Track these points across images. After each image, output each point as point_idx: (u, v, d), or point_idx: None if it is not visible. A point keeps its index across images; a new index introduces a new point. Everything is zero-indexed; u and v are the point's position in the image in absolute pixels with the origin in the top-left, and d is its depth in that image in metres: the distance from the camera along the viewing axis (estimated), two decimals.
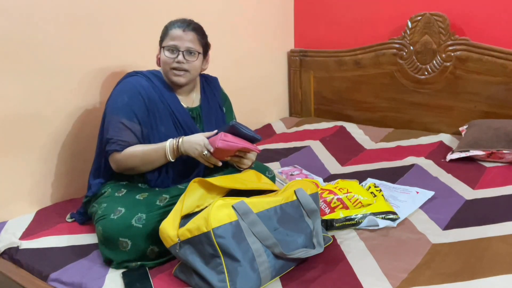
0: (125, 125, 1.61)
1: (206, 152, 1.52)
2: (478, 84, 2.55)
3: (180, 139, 1.56)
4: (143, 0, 2.19)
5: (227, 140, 1.50)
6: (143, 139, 1.65)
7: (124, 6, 2.11)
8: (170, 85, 1.73)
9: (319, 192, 1.70)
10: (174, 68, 1.66)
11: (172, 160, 1.58)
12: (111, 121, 1.62)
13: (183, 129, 1.71)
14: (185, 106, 1.75)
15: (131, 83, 1.68)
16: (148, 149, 1.59)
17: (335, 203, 1.67)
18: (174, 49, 1.65)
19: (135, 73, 1.72)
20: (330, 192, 1.71)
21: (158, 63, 1.77)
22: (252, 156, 1.66)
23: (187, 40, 1.65)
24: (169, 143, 1.57)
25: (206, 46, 1.74)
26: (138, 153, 1.59)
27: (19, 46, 1.77)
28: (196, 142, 1.54)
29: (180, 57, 1.65)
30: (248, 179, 1.57)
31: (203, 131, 1.76)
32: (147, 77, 1.70)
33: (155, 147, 1.59)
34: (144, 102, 1.64)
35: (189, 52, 1.66)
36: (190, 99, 1.78)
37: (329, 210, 1.65)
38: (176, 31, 1.65)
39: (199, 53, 1.69)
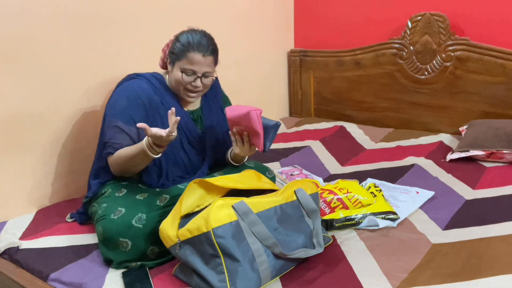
0: (121, 129, 1.60)
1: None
2: (478, 84, 2.55)
3: None
4: (144, 3, 2.19)
5: (259, 120, 1.55)
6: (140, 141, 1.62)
7: (126, 9, 2.11)
8: (171, 89, 1.72)
9: (319, 192, 1.70)
10: (189, 89, 1.65)
11: (154, 156, 1.50)
12: (109, 124, 1.62)
13: (184, 132, 1.70)
14: (185, 109, 1.74)
15: (131, 86, 1.66)
16: (130, 150, 1.56)
17: (335, 203, 1.67)
18: (192, 73, 1.62)
19: (136, 76, 1.71)
20: (330, 192, 1.71)
21: (162, 66, 1.76)
22: (251, 150, 1.67)
23: (206, 65, 1.63)
24: (145, 139, 1.50)
25: (217, 64, 1.72)
26: (121, 155, 1.58)
27: (20, 47, 1.77)
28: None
29: (198, 82, 1.63)
30: (248, 179, 1.57)
31: (204, 133, 1.76)
32: (148, 80, 1.69)
33: (135, 146, 1.55)
34: (144, 105, 1.63)
35: (206, 76, 1.65)
36: (191, 102, 1.78)
37: (329, 210, 1.65)
38: (196, 56, 1.60)
39: (214, 76, 1.69)
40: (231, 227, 1.28)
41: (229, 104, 1.93)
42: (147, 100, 1.64)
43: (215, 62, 1.68)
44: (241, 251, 1.27)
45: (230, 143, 1.72)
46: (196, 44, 1.60)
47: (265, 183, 1.57)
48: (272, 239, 1.32)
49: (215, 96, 1.85)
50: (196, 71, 1.62)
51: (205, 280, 1.26)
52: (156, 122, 1.65)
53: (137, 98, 1.63)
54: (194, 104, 1.79)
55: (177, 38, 1.65)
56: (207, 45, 1.62)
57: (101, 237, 1.46)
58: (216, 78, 1.88)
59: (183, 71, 1.62)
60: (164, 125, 1.65)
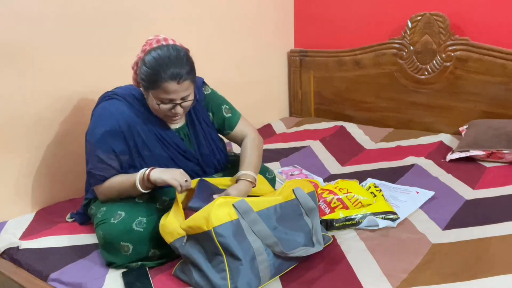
0: (101, 159, 1.52)
1: (185, 180, 1.45)
2: (478, 84, 2.55)
3: (150, 168, 1.48)
4: (145, 4, 2.19)
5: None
6: (123, 167, 1.56)
7: (127, 10, 2.11)
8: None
9: (319, 192, 1.70)
10: (169, 116, 1.53)
11: (144, 191, 1.48)
12: (89, 151, 1.56)
13: (173, 149, 1.62)
14: (172, 127, 1.63)
15: (109, 110, 1.55)
16: (123, 180, 1.52)
17: (335, 203, 1.67)
18: (169, 102, 1.49)
19: (114, 94, 1.60)
20: (330, 192, 1.71)
21: (137, 86, 1.59)
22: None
23: (183, 90, 1.47)
24: (139, 174, 1.47)
25: (195, 80, 1.55)
26: (115, 184, 1.53)
27: (20, 48, 1.77)
28: (173, 170, 1.48)
29: (178, 109, 1.50)
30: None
31: (194, 151, 1.66)
32: (127, 101, 1.58)
33: (127, 178, 1.51)
34: (122, 132, 1.53)
35: (185, 100, 1.50)
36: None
37: (329, 210, 1.65)
38: (171, 86, 1.43)
39: (194, 99, 1.55)
40: (232, 225, 1.28)
41: (214, 103, 1.72)
42: (126, 126, 1.54)
43: (193, 81, 1.51)
44: (243, 250, 1.27)
45: (224, 147, 1.73)
46: (167, 71, 1.42)
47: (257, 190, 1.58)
48: (273, 238, 1.32)
49: (200, 107, 1.69)
50: (173, 99, 1.47)
51: (206, 277, 1.27)
52: (137, 145, 1.56)
53: (115, 125, 1.53)
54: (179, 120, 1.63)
55: (143, 61, 1.47)
56: (180, 67, 1.44)
57: (102, 241, 1.46)
58: (201, 80, 1.72)
59: (159, 101, 1.48)
60: (146, 147, 1.57)
